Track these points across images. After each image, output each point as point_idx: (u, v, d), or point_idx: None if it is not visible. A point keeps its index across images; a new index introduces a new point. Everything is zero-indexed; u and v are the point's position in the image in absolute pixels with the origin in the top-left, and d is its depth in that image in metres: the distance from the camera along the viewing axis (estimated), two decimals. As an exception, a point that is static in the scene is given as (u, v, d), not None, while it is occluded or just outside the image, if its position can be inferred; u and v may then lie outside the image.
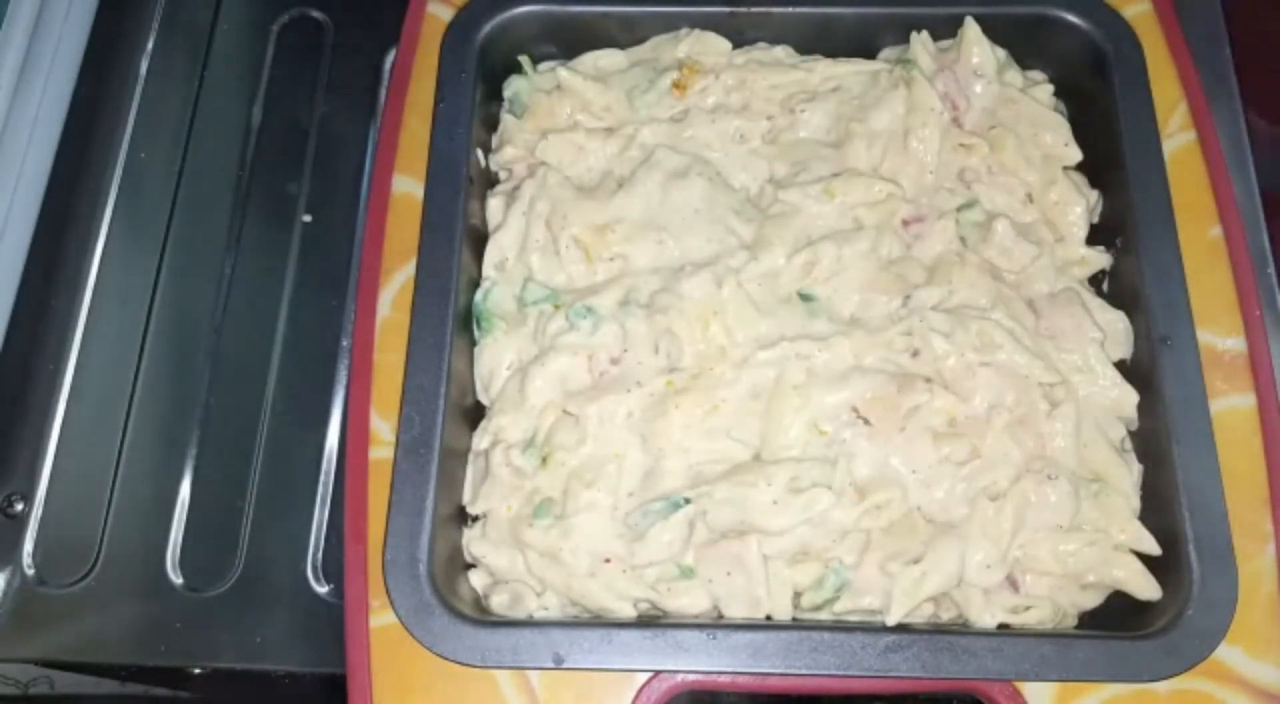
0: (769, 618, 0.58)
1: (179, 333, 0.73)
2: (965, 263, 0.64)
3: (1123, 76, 0.68)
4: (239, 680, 0.68)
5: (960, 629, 0.57)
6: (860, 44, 0.72)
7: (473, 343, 0.66)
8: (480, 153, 0.70)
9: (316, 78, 0.81)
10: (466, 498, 0.63)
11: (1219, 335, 0.62)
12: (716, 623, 0.57)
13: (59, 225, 0.76)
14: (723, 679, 0.55)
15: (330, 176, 0.78)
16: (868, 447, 0.60)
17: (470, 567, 0.62)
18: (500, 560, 0.60)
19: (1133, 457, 0.62)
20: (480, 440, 0.63)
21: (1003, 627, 0.58)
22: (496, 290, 0.66)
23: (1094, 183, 0.69)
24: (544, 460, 0.60)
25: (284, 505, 0.69)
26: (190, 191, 0.78)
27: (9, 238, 0.74)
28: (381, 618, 0.57)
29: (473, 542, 0.61)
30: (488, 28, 0.71)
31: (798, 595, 0.59)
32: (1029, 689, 0.55)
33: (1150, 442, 0.61)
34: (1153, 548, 0.59)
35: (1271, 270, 0.69)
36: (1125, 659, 0.55)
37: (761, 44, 0.73)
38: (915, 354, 0.62)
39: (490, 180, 0.72)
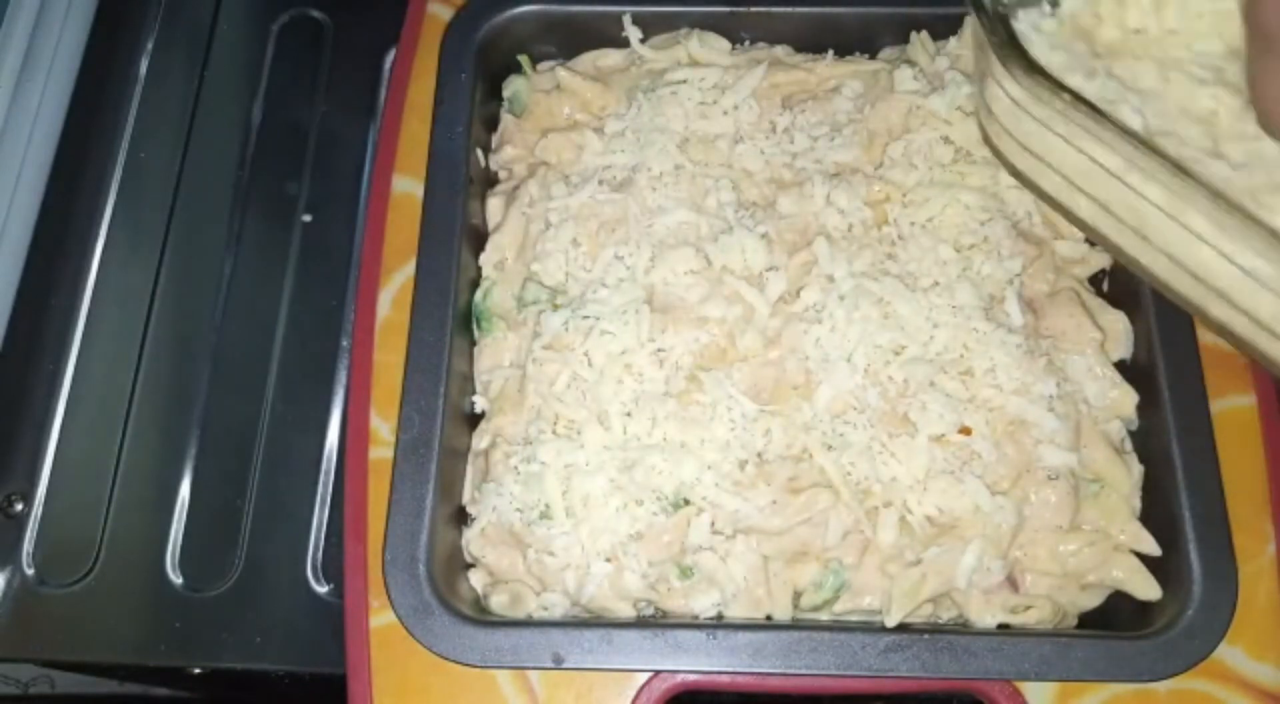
0: (769, 618, 0.58)
1: (179, 333, 0.73)
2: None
3: (1123, 76, 0.68)
4: (239, 680, 0.68)
5: (960, 629, 0.57)
6: (860, 44, 0.72)
7: (472, 343, 0.66)
8: (480, 153, 0.70)
9: (316, 78, 0.81)
10: (466, 498, 0.63)
11: (1219, 335, 0.62)
12: (716, 623, 0.57)
13: (59, 225, 0.77)
14: (723, 679, 0.55)
15: (330, 176, 0.78)
16: (867, 447, 0.60)
17: (470, 566, 0.62)
18: (500, 560, 0.60)
19: (1133, 457, 0.62)
20: (480, 440, 0.63)
21: (1003, 627, 0.58)
22: (496, 290, 0.66)
23: (1094, 183, 0.69)
24: (543, 460, 0.60)
25: (284, 505, 0.69)
26: (190, 191, 0.78)
27: (9, 238, 0.74)
28: (381, 618, 0.57)
29: (472, 542, 0.61)
30: (487, 28, 0.71)
31: (797, 595, 0.59)
32: (1029, 689, 0.55)
33: (1150, 442, 0.61)
34: (1152, 548, 0.59)
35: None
36: (1125, 659, 0.55)
37: (761, 44, 0.73)
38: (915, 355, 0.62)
39: (490, 180, 0.72)
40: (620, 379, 0.61)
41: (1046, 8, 0.55)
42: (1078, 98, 0.50)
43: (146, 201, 0.77)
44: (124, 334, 0.73)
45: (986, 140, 0.61)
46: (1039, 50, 0.53)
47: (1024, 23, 0.55)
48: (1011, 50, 0.52)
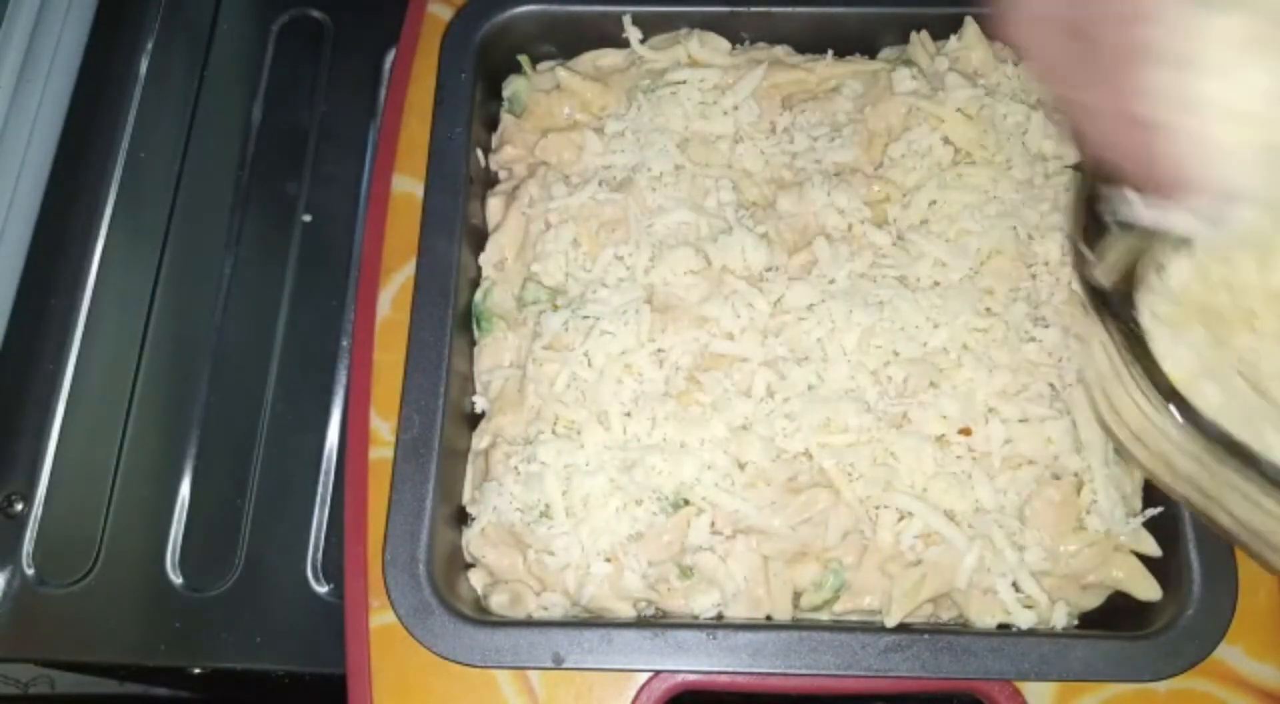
0: (769, 618, 0.58)
1: (179, 333, 0.73)
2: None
3: (1123, 76, 0.67)
4: (239, 680, 0.68)
5: (960, 629, 0.57)
6: (860, 44, 0.72)
7: (472, 343, 0.66)
8: (480, 153, 0.70)
9: (316, 78, 0.81)
10: (466, 498, 0.63)
11: (1219, 335, 0.62)
12: (716, 623, 0.57)
13: (59, 225, 0.77)
14: (723, 679, 0.55)
15: (330, 176, 0.78)
16: (867, 448, 0.59)
17: (470, 566, 0.62)
18: (500, 560, 0.60)
19: (1133, 457, 0.62)
20: (480, 440, 0.63)
21: (1003, 627, 0.58)
22: (496, 290, 0.66)
23: (1094, 183, 0.69)
24: (543, 460, 0.60)
25: (284, 505, 0.69)
26: (190, 191, 0.78)
27: (9, 238, 0.74)
28: (381, 618, 0.57)
29: (472, 541, 0.61)
30: (487, 28, 0.71)
31: (797, 595, 0.59)
32: (1029, 689, 0.55)
33: (1150, 442, 0.61)
34: (1153, 549, 0.59)
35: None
36: (1125, 659, 0.55)
37: (761, 44, 0.73)
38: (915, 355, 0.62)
39: (490, 180, 0.72)
40: (620, 379, 0.61)
41: (1155, 282, 0.45)
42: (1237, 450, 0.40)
43: (146, 201, 0.77)
44: (124, 334, 0.73)
45: (1093, 406, 0.53)
46: (1164, 348, 0.43)
47: (1142, 312, 0.45)
48: (1148, 371, 0.42)
